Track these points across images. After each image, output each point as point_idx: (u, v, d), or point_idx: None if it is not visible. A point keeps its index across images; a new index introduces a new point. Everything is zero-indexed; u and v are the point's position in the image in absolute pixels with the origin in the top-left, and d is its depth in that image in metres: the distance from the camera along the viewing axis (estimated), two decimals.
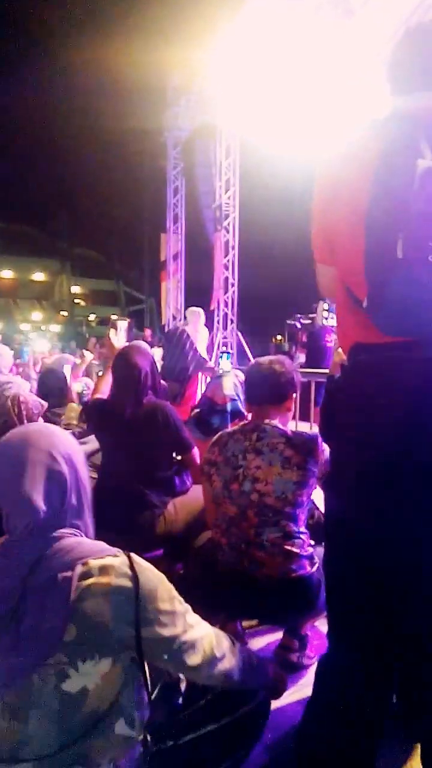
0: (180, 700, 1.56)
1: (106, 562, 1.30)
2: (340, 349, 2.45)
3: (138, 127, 14.97)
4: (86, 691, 1.23)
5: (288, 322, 9.39)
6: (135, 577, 1.29)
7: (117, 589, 1.27)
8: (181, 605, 1.38)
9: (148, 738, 1.36)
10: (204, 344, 8.44)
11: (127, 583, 1.28)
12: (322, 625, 2.61)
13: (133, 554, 1.35)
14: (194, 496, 3.18)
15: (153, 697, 1.41)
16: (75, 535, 1.37)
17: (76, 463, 1.43)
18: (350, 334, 1.45)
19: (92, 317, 38.74)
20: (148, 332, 8.86)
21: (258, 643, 2.56)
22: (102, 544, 1.37)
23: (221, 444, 2.39)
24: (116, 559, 1.32)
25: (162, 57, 11.54)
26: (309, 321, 8.84)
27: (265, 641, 2.58)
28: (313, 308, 8.45)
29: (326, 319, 10.10)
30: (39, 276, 38.68)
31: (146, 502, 2.90)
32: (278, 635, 2.50)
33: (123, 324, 3.99)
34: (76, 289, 39.50)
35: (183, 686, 1.57)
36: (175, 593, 1.38)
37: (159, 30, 11.46)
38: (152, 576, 1.34)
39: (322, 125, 8.25)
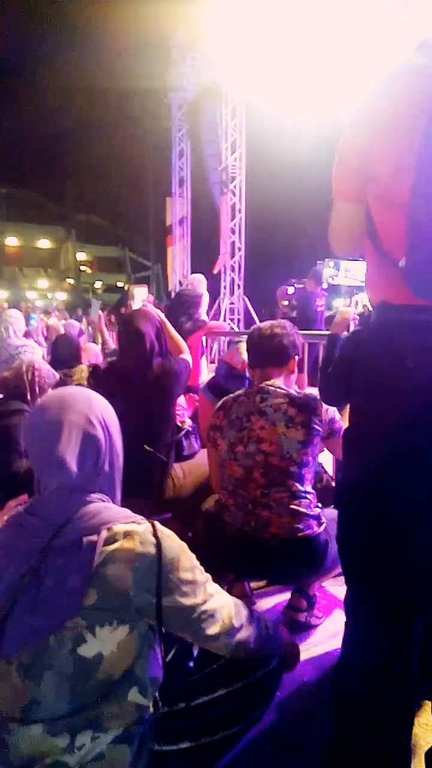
0: (192, 664, 1.56)
1: (131, 528, 1.30)
2: (344, 309, 2.42)
3: (142, 88, 14.66)
4: (101, 656, 1.23)
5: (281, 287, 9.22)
6: (158, 545, 1.28)
7: (140, 556, 1.26)
8: (202, 574, 1.38)
9: (158, 701, 1.36)
10: (205, 308, 8.37)
11: (151, 550, 1.28)
12: (329, 585, 2.63)
13: (156, 522, 1.34)
14: (202, 459, 3.18)
15: (167, 660, 1.41)
16: (102, 500, 1.36)
17: (112, 430, 1.42)
18: (380, 287, 1.39)
19: (98, 284, 38.63)
20: (150, 298, 8.80)
21: (266, 604, 2.58)
22: (127, 511, 1.36)
23: (226, 408, 2.39)
24: (140, 526, 1.31)
25: (166, 14, 11.23)
26: (302, 285, 8.68)
27: (273, 602, 2.59)
28: (312, 272, 8.26)
29: (332, 278, 9.89)
30: (44, 243, 38.42)
31: (155, 465, 2.91)
32: (286, 596, 2.51)
33: (140, 291, 3.94)
34: (81, 256, 39.27)
35: (195, 650, 1.57)
36: (196, 562, 1.37)
37: None
38: (175, 545, 1.33)
39: (329, 85, 8.06)
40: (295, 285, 9.03)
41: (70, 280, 37.06)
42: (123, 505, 1.41)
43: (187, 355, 3.16)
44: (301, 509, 2.16)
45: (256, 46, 9.58)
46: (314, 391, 2.34)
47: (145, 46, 12.58)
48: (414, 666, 1.46)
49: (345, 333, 2.53)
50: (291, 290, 8.97)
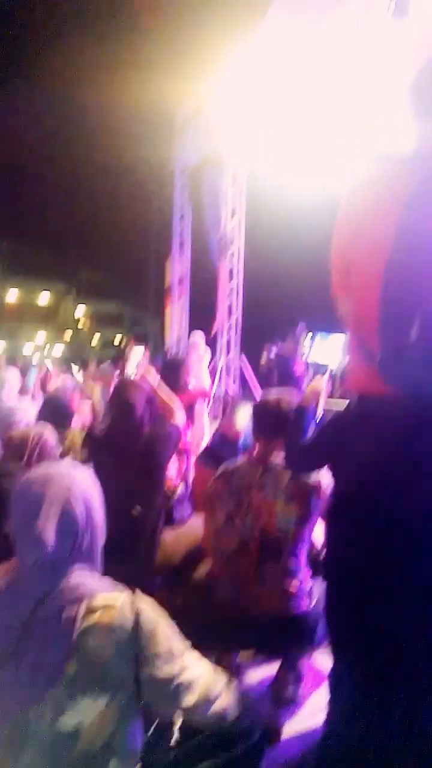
0: (175, 737, 1.55)
1: (111, 599, 1.32)
2: (316, 381, 2.44)
3: (147, 155, 15.17)
4: (81, 727, 1.23)
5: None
6: (137, 616, 1.30)
7: (119, 627, 1.28)
8: (180, 644, 1.39)
9: None
10: (204, 364, 8.50)
11: (129, 621, 1.29)
12: (317, 658, 2.60)
13: (137, 592, 1.36)
14: (193, 526, 3.19)
15: (148, 734, 1.42)
16: (83, 572, 1.38)
17: (92, 506, 1.46)
18: (359, 380, 1.45)
19: (96, 340, 38.89)
20: (144, 361, 8.92)
21: (253, 677, 2.55)
22: (108, 582, 1.39)
23: (225, 477, 2.39)
24: (120, 597, 1.33)
25: (171, 88, 11.73)
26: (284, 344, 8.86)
27: (260, 674, 2.56)
28: (290, 335, 8.50)
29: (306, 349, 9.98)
30: (44, 297, 38.90)
31: (145, 530, 2.90)
32: (273, 668, 2.48)
33: (135, 353, 3.96)
34: (80, 311, 39.71)
35: (178, 723, 1.56)
36: (175, 632, 1.39)
37: (168, 57, 11.66)
38: (154, 615, 1.35)
39: (329, 157, 8.38)
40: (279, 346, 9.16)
41: (68, 335, 37.35)
42: (110, 573, 1.43)
43: (178, 419, 3.20)
44: (294, 587, 2.16)
45: (258, 117, 9.97)
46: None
47: (151, 117, 13.08)
48: (395, 743, 1.46)
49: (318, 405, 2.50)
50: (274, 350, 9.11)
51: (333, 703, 1.58)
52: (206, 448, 3.76)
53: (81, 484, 1.46)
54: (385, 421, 1.38)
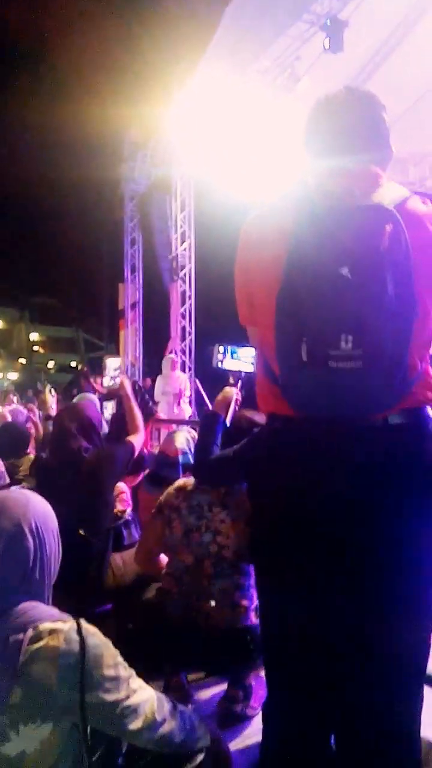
0: (121, 760, 1.55)
1: (56, 626, 1.32)
2: (228, 389, 2.51)
3: (96, 180, 15.26)
4: (24, 755, 1.24)
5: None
6: (82, 643, 1.31)
7: (64, 653, 1.29)
8: (126, 670, 1.40)
9: None
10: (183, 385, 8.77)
11: (75, 647, 1.30)
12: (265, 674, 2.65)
13: (82, 620, 1.37)
14: None
15: (94, 759, 1.41)
16: (31, 602, 1.39)
17: (45, 537, 1.45)
18: (268, 399, 1.52)
19: (51, 364, 38.48)
20: (99, 380, 8.95)
21: (202, 695, 2.58)
22: (54, 610, 1.40)
23: (186, 491, 2.42)
24: (66, 624, 1.34)
25: (119, 113, 11.88)
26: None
27: (209, 693, 2.59)
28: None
29: (220, 362, 11.03)
30: None
31: (93, 556, 2.92)
32: (222, 687, 2.52)
33: (112, 362, 3.94)
34: (34, 336, 39.29)
35: (124, 747, 1.55)
36: (120, 658, 1.40)
37: (116, 88, 11.82)
38: (99, 641, 1.36)
39: (271, 178, 8.62)
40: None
41: (23, 360, 36.87)
42: (62, 599, 1.45)
43: (137, 438, 3.22)
44: (244, 602, 2.22)
45: (204, 143, 10.20)
46: None
47: (99, 142, 13.20)
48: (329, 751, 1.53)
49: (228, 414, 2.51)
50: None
51: (265, 711, 1.65)
52: (150, 472, 3.79)
53: (35, 513, 1.46)
54: (293, 440, 1.44)
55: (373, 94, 1.51)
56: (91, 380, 9.49)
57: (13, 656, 1.28)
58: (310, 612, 1.45)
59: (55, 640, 1.30)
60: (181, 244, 11.70)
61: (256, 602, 2.26)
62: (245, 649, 2.20)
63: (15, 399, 10.67)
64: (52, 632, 1.32)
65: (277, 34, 7.94)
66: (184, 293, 11.87)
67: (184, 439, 3.61)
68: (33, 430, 5.11)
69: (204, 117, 9.78)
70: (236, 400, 2.47)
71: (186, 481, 2.49)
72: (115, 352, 23.21)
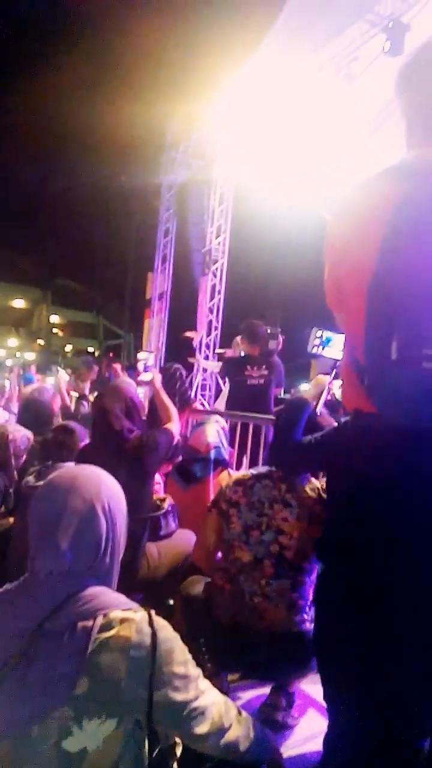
0: (175, 766, 1.48)
1: (127, 615, 1.26)
2: (321, 377, 2.40)
3: (135, 167, 15.24)
4: (86, 752, 1.17)
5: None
6: (153, 636, 1.25)
7: (136, 645, 1.23)
8: (195, 669, 1.34)
9: None
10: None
11: (147, 640, 1.24)
12: (304, 684, 2.56)
13: (152, 611, 1.31)
14: (180, 540, 3.14)
15: (151, 758, 1.33)
16: (98, 585, 1.33)
17: (117, 520, 1.40)
18: (352, 396, 1.44)
19: (68, 348, 38.59)
20: (118, 366, 8.85)
21: (242, 699, 2.50)
22: (122, 596, 1.34)
23: (246, 486, 2.31)
24: (137, 614, 1.28)
25: (163, 105, 11.86)
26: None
27: (248, 696, 2.51)
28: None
29: (316, 347, 10.06)
30: (19, 303, 38.48)
31: (129, 542, 2.84)
32: (261, 691, 2.44)
33: (144, 355, 3.95)
34: (54, 319, 39.38)
35: (179, 751, 1.49)
36: (189, 656, 1.34)
37: (163, 78, 11.78)
38: (170, 635, 1.29)
39: (315, 180, 8.51)
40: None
41: (41, 341, 36.98)
42: None
43: (174, 425, 3.17)
44: (300, 601, 2.12)
45: (246, 139, 10.11)
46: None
47: (141, 132, 13.15)
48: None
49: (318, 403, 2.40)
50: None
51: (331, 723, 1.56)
52: (178, 463, 3.71)
53: (107, 493, 1.40)
54: (377, 438, 1.36)
55: None
56: (114, 366, 9.35)
57: (81, 644, 1.20)
58: (383, 625, 1.36)
59: (127, 630, 1.24)
60: (216, 237, 11.60)
61: (310, 606, 2.16)
62: (299, 654, 2.11)
63: (39, 377, 10.59)
64: (123, 621, 1.25)
65: (337, 33, 7.79)
66: (214, 287, 11.77)
67: (215, 431, 3.53)
68: (58, 401, 5.05)
69: (251, 112, 9.68)
70: (328, 389, 2.36)
71: (246, 475, 2.39)
72: (134, 341, 23.26)
